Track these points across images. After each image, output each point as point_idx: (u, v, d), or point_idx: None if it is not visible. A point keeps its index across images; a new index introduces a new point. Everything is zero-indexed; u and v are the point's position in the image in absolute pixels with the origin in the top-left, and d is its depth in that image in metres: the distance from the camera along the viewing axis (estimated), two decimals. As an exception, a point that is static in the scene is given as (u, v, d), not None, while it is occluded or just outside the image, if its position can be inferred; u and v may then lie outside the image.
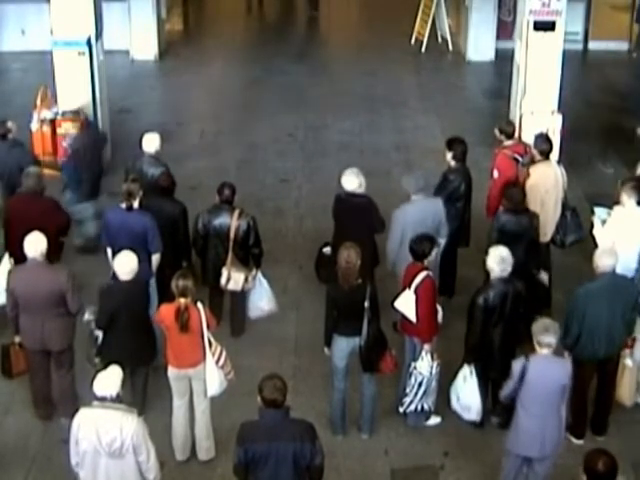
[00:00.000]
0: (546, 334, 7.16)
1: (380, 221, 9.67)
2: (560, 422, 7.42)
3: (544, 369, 7.19)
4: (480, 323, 8.09)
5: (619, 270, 8.39)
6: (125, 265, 8.18)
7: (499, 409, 7.92)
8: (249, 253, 9.53)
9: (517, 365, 7.25)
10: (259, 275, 9.60)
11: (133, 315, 8.20)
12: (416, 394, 8.34)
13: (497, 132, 10.59)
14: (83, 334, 8.40)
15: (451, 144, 10.12)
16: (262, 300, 9.63)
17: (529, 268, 9.32)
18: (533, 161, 10.03)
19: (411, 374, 8.32)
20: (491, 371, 8.28)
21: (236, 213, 9.40)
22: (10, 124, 10.85)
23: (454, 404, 8.40)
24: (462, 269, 10.33)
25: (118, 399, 6.64)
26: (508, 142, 10.48)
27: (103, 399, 6.61)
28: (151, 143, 10.34)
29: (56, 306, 8.27)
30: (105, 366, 7.11)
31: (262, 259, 9.65)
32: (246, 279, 9.49)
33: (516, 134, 10.78)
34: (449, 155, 10.06)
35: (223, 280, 9.46)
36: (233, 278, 9.47)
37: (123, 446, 6.61)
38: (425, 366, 8.28)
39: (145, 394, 8.55)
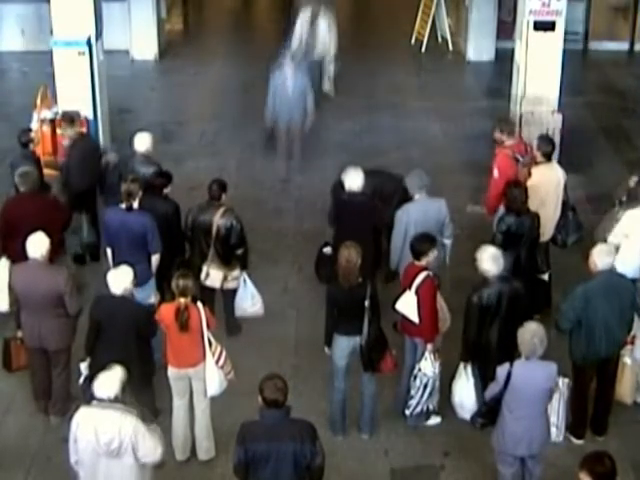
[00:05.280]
0: (534, 350, 7.19)
1: (381, 219, 9.66)
2: (547, 422, 7.49)
3: (528, 374, 7.22)
4: (476, 321, 8.10)
5: (629, 271, 8.41)
6: (116, 279, 8.01)
7: (483, 410, 7.98)
8: (232, 253, 9.49)
9: (502, 371, 7.27)
10: (244, 276, 9.54)
11: (118, 333, 7.98)
12: (422, 396, 8.36)
13: (497, 132, 10.49)
14: (82, 335, 8.39)
15: None
16: (245, 302, 9.58)
17: (534, 268, 9.34)
18: (535, 162, 10.02)
19: (416, 376, 8.33)
20: (488, 370, 8.27)
21: (220, 211, 9.35)
22: (33, 135, 10.91)
23: (452, 400, 8.43)
24: (462, 269, 10.32)
25: (118, 400, 6.63)
26: (509, 141, 10.44)
27: (102, 399, 6.61)
28: (142, 142, 10.34)
29: (54, 307, 8.28)
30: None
31: (248, 260, 9.58)
32: (225, 278, 9.46)
33: (516, 133, 10.76)
34: None
35: (202, 276, 9.44)
36: (211, 275, 9.45)
37: (121, 446, 6.60)
38: (429, 366, 8.29)
39: (150, 407, 8.46)
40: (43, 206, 9.53)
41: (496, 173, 10.21)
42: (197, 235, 9.46)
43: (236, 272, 9.52)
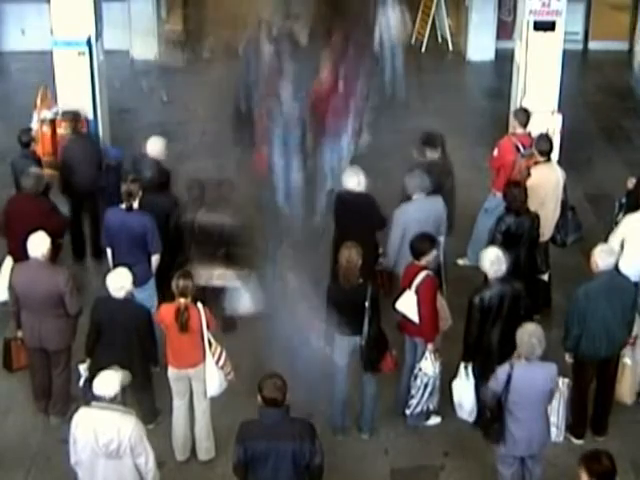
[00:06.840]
0: (532, 350, 7.17)
1: (381, 218, 9.66)
2: (547, 423, 7.49)
3: (528, 376, 7.21)
4: (477, 323, 8.10)
5: (632, 274, 8.40)
6: (115, 282, 8.01)
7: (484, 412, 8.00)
8: (220, 251, 9.42)
9: (502, 373, 7.26)
10: (233, 275, 9.46)
11: (118, 335, 7.99)
12: (422, 396, 8.36)
13: (512, 118, 10.88)
14: (82, 335, 8.39)
15: (432, 141, 10.29)
16: (234, 300, 9.47)
17: (533, 268, 9.33)
18: (536, 162, 10.04)
19: (416, 376, 8.32)
20: (489, 371, 8.27)
21: (212, 210, 9.34)
22: (34, 133, 10.92)
23: (454, 400, 8.44)
24: (461, 269, 10.33)
25: (117, 400, 6.63)
26: (519, 130, 10.61)
27: (101, 399, 6.61)
28: (154, 146, 10.32)
29: (54, 307, 8.28)
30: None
31: (241, 262, 9.51)
32: (213, 276, 9.37)
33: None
34: (435, 152, 10.16)
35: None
36: (199, 273, 9.40)
37: (120, 447, 6.61)
38: (429, 366, 8.29)
39: (150, 407, 8.50)
40: (39, 209, 9.50)
41: (495, 152, 10.55)
42: (187, 233, 9.43)
43: (224, 271, 9.47)
